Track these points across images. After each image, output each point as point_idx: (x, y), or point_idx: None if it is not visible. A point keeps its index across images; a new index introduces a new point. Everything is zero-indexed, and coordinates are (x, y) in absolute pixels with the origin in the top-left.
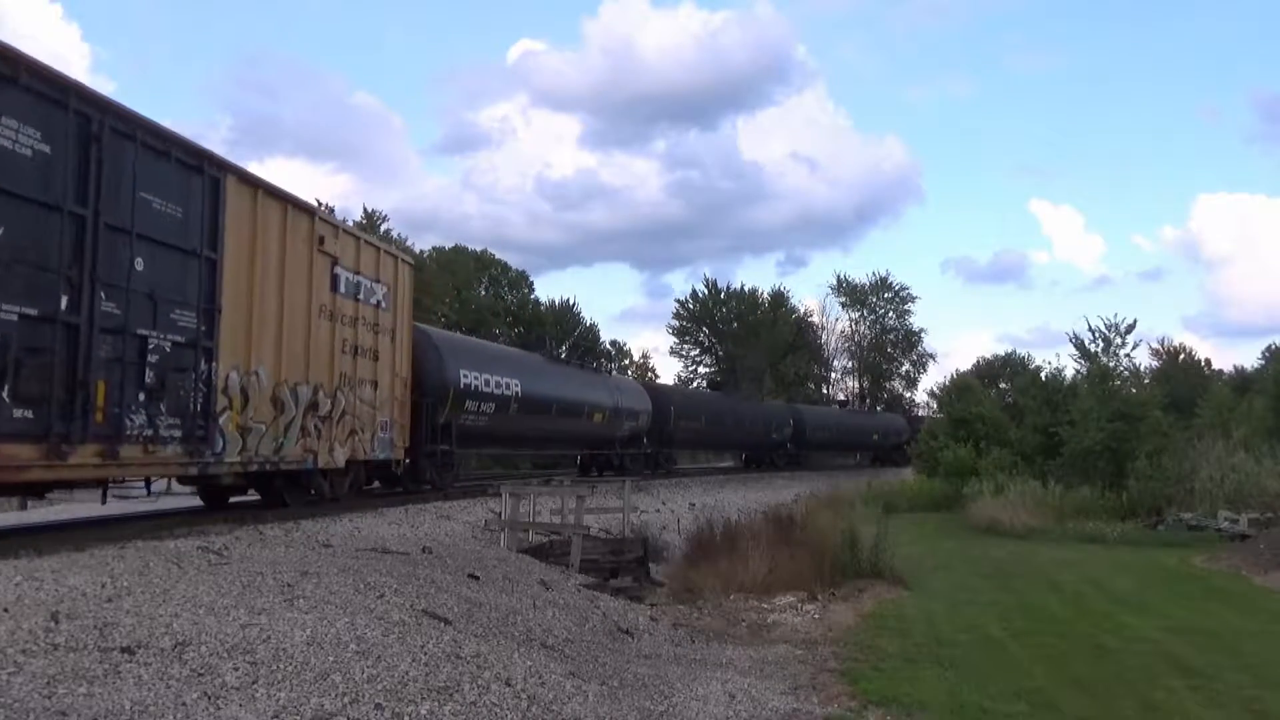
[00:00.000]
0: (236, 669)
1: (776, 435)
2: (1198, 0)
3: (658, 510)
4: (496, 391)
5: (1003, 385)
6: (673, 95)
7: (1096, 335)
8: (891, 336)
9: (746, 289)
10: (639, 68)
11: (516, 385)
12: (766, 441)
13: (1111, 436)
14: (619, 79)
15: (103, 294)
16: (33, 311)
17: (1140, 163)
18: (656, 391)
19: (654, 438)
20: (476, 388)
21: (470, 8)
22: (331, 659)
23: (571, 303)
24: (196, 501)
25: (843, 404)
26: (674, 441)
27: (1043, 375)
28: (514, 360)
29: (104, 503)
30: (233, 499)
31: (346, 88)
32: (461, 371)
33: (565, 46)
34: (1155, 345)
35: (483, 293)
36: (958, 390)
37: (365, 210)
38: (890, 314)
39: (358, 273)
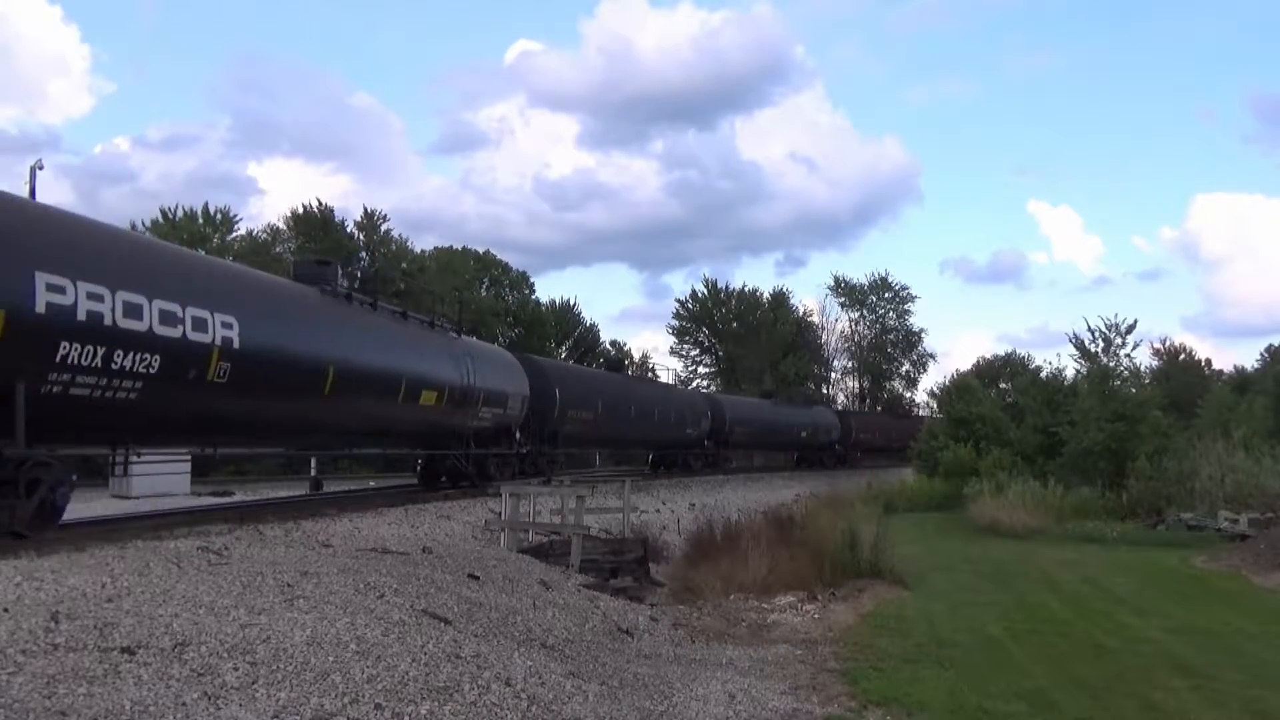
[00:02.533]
0: (236, 669)
1: (692, 430)
2: (1195, 1)
3: (658, 510)
4: (165, 335)
5: (1003, 385)
6: (671, 95)
7: (1096, 335)
8: (891, 336)
9: (747, 289)
10: (637, 68)
11: (227, 328)
12: (680, 438)
13: (1111, 436)
14: (617, 79)
15: None
16: None
17: (1138, 163)
18: (537, 368)
19: (533, 432)
20: (95, 318)
21: (468, 8)
22: (331, 659)
23: (572, 303)
24: (197, 501)
25: (767, 394)
26: (560, 438)
27: (1043, 375)
28: (226, 281)
29: None
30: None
31: (345, 88)
32: (44, 281)
33: (563, 47)
34: (1156, 345)
35: (483, 293)
36: (958, 390)
37: (365, 210)
38: (890, 314)
39: None
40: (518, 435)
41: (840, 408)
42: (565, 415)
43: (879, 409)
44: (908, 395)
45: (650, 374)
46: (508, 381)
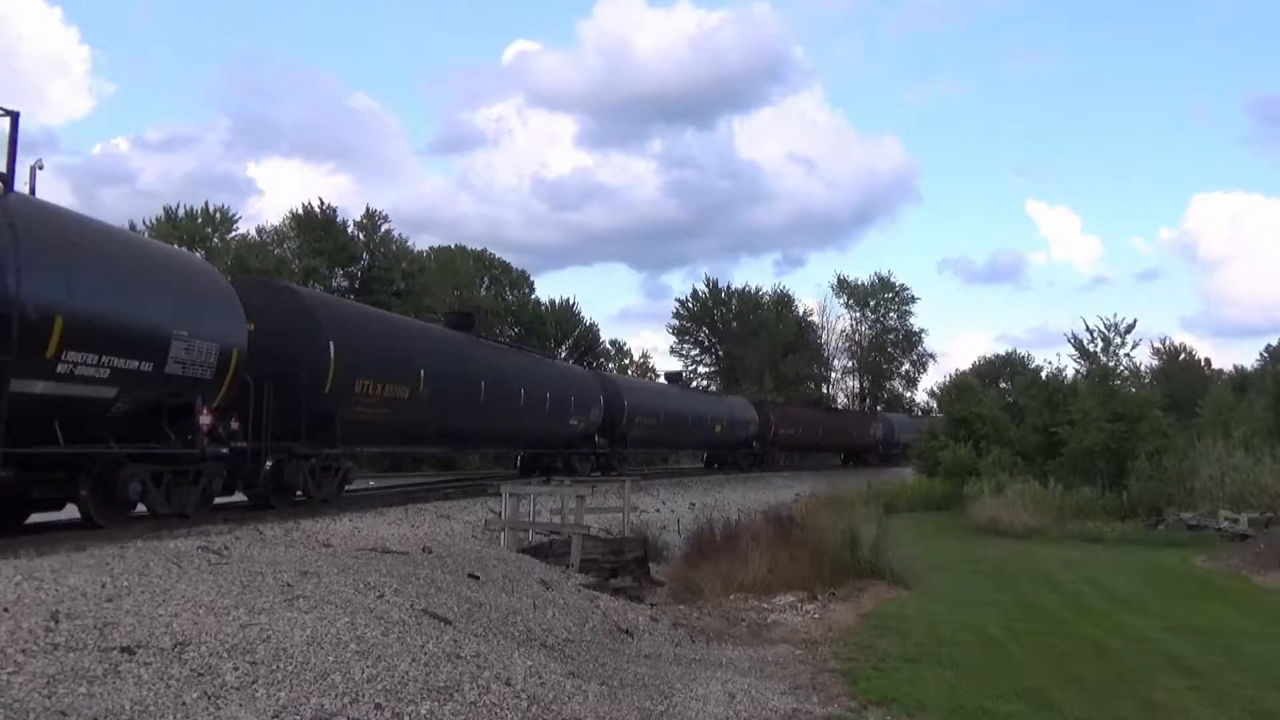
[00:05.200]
0: (236, 669)
1: (578, 421)
2: (1192, 2)
3: (658, 510)
4: None
5: (1003, 385)
6: (669, 95)
7: (1095, 335)
8: (892, 337)
9: (748, 289)
10: (635, 68)
11: None
12: (560, 432)
13: (1112, 436)
14: (615, 79)
15: None
16: None
17: (1136, 164)
18: (290, 305)
19: (254, 419)
20: None
21: (465, 9)
22: (331, 659)
23: (572, 303)
24: None
25: (674, 378)
26: (341, 430)
27: (1043, 375)
28: None
29: None
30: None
31: (343, 89)
32: None
33: (561, 47)
34: (1156, 345)
35: (483, 292)
36: (958, 390)
37: (367, 210)
38: (891, 314)
39: None
40: (204, 419)
41: (757, 399)
42: (350, 391)
43: (804, 402)
44: (908, 395)
45: (652, 374)
46: (160, 306)
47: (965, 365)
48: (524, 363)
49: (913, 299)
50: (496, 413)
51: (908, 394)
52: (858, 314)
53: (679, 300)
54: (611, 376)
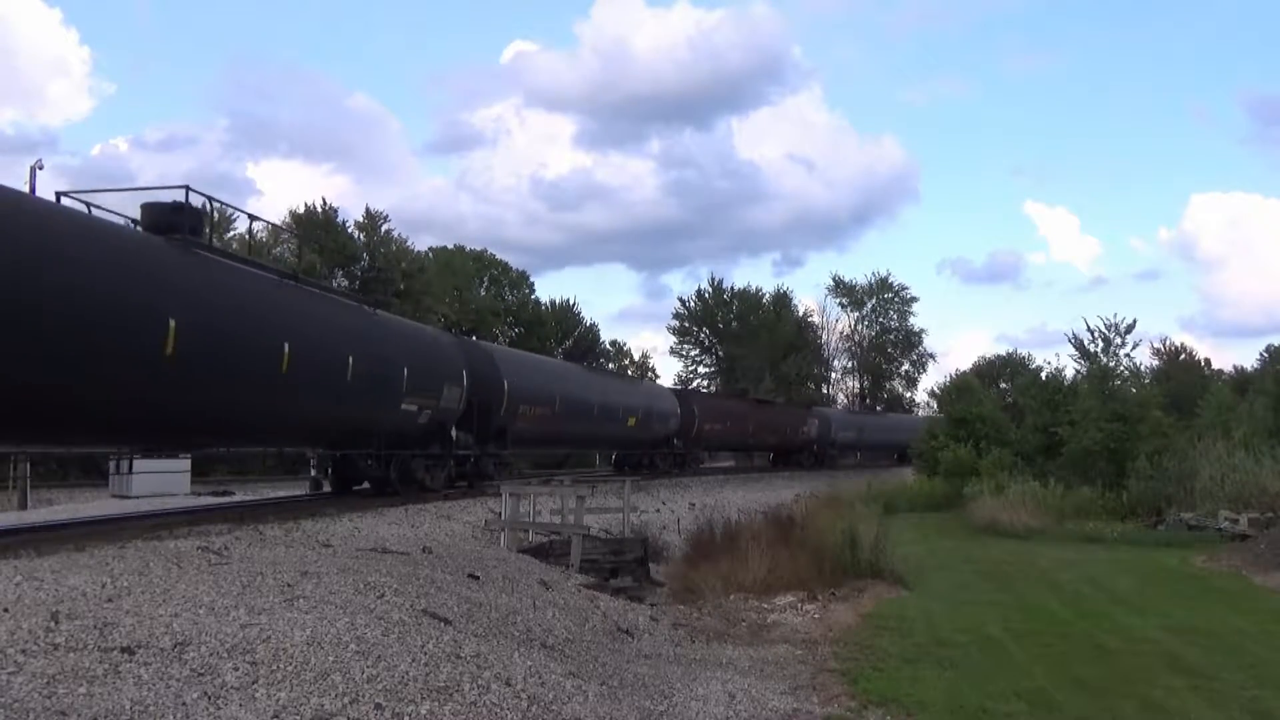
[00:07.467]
0: (236, 669)
1: (418, 405)
2: (1190, 3)
3: (658, 510)
4: None
5: (1002, 385)
6: (667, 95)
7: (1096, 335)
8: (891, 337)
9: (749, 289)
10: (633, 67)
11: None
12: (381, 421)
13: (1111, 436)
14: (613, 79)
15: None
16: None
17: (1134, 164)
18: None
19: None
20: None
21: (464, 9)
22: (331, 659)
23: (572, 303)
24: (197, 501)
25: (577, 356)
26: None
27: (1043, 375)
28: None
29: None
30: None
31: (342, 89)
32: None
33: (559, 47)
34: (1156, 345)
35: (482, 293)
36: (958, 390)
37: (367, 211)
38: (891, 314)
39: None
40: None
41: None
42: None
43: (729, 392)
44: (908, 395)
45: (652, 374)
46: None
47: (965, 365)
48: (302, 303)
49: (912, 299)
50: (222, 384)
51: (908, 394)
52: (855, 314)
53: (680, 300)
54: (485, 346)
